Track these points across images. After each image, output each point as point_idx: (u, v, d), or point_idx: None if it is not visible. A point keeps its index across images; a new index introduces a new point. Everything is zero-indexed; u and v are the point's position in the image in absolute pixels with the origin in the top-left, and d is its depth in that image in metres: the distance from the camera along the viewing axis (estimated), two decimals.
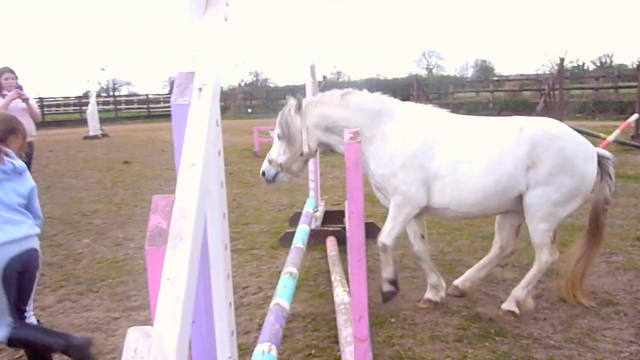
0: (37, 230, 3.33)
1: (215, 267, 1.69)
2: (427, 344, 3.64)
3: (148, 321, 4.14)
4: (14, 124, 3.45)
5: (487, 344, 3.62)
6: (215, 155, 1.63)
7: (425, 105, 4.50)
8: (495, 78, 34.57)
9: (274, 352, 2.53)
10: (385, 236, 4.07)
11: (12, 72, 7.06)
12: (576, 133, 4.09)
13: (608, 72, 30.69)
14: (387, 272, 4.21)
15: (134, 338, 1.07)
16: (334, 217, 6.51)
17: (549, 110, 10.37)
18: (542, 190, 3.84)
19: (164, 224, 1.21)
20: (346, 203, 3.85)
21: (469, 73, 58.32)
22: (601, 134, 12.11)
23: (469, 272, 4.47)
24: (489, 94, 27.53)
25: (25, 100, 7.07)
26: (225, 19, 1.64)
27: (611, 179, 4.07)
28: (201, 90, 1.40)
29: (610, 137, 11.62)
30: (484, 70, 52.52)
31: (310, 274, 5.14)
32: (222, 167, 1.70)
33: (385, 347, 3.61)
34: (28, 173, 3.39)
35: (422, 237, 4.37)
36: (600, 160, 4.02)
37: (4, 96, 6.92)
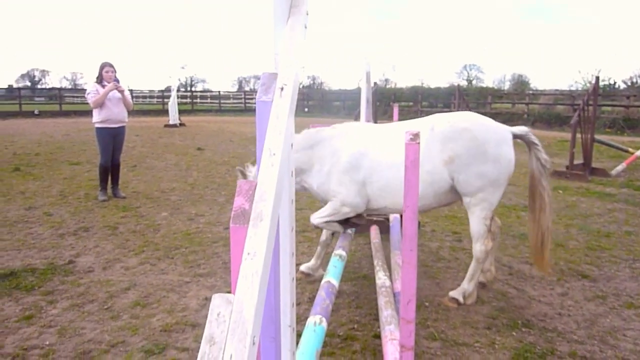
0: None
1: (283, 246, 1.69)
2: (459, 329, 3.56)
3: (214, 287, 4.24)
4: None
5: (514, 333, 3.50)
6: (289, 147, 1.62)
7: (353, 123, 4.41)
8: (531, 91, 33.33)
9: (324, 324, 2.53)
10: (316, 218, 4.15)
11: (111, 66, 7.36)
12: (488, 120, 3.92)
13: (639, 91, 29.07)
14: (312, 262, 4.49)
15: (217, 303, 1.07)
16: None
17: (583, 124, 9.88)
18: (465, 180, 3.72)
19: (247, 206, 1.21)
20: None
21: (506, 86, 56.56)
22: (630, 149, 11.51)
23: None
24: (524, 106, 26.57)
25: (121, 91, 7.34)
26: (305, 27, 1.63)
27: (536, 144, 3.95)
28: (282, 89, 1.40)
29: (638, 152, 11.02)
30: (520, 84, 50.77)
31: (355, 257, 5.11)
32: (293, 158, 1.70)
33: (421, 328, 3.55)
34: None
35: (332, 234, 4.51)
36: (520, 136, 3.92)
37: (104, 86, 7.22)
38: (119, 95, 7.31)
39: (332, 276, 3.13)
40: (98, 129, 7.34)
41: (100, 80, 7.28)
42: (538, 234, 3.95)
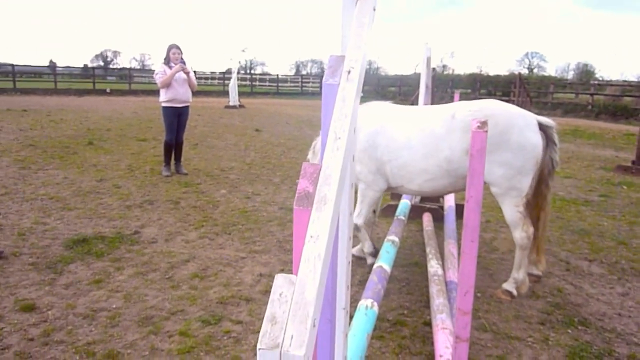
0: None
1: (342, 230, 1.67)
2: (511, 322, 3.44)
3: (269, 264, 4.30)
4: None
5: (569, 331, 3.35)
6: (352, 132, 1.59)
7: (374, 103, 4.27)
8: (596, 82, 31.46)
9: (376, 308, 2.51)
10: (356, 217, 4.13)
11: (178, 47, 7.53)
12: (511, 107, 3.71)
13: None
14: (367, 247, 4.33)
15: (279, 283, 1.06)
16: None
17: None
18: (489, 169, 3.50)
19: (311, 188, 1.19)
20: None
21: (570, 75, 53.62)
22: None
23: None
24: (588, 97, 25.09)
25: (187, 73, 7.51)
26: (374, 9, 1.57)
27: (555, 144, 3.69)
28: (350, 72, 1.35)
29: None
30: (585, 74, 47.98)
31: (407, 243, 5.03)
32: (355, 142, 1.66)
33: (472, 318, 3.43)
34: None
35: (374, 211, 4.54)
36: (544, 128, 3.66)
37: (171, 68, 7.41)
38: (184, 76, 7.49)
39: (384, 261, 3.09)
40: (164, 107, 7.57)
41: (167, 61, 7.45)
42: (538, 233, 3.83)
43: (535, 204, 3.77)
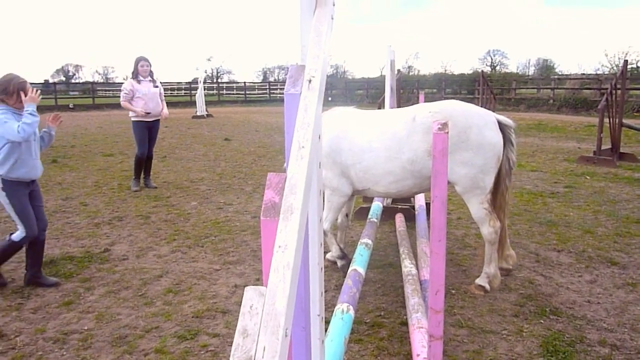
0: None
1: (312, 237, 1.68)
2: (486, 316, 3.51)
3: (243, 274, 4.27)
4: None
5: (542, 321, 3.44)
6: (317, 140, 1.60)
7: (337, 109, 4.36)
8: (556, 76, 32.44)
9: (352, 312, 2.52)
10: (323, 223, 4.09)
11: (146, 60, 7.32)
12: (470, 107, 3.79)
13: None
14: (334, 251, 4.35)
15: (249, 295, 1.07)
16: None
17: (610, 108, 9.57)
18: (451, 169, 3.59)
19: (277, 199, 1.19)
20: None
21: (531, 71, 55.16)
22: None
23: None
24: (549, 91, 25.87)
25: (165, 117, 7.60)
26: (332, 18, 1.59)
27: (512, 144, 3.80)
28: (310, 81, 1.37)
29: None
30: (546, 69, 49.44)
31: (380, 245, 5.08)
32: (320, 150, 1.68)
33: (448, 315, 3.51)
34: None
35: (347, 215, 4.63)
36: (503, 127, 3.75)
37: (139, 81, 7.19)
38: (154, 90, 7.31)
39: (358, 265, 3.12)
40: (134, 122, 7.37)
41: (135, 75, 7.24)
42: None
43: (495, 204, 3.86)
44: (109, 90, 41.08)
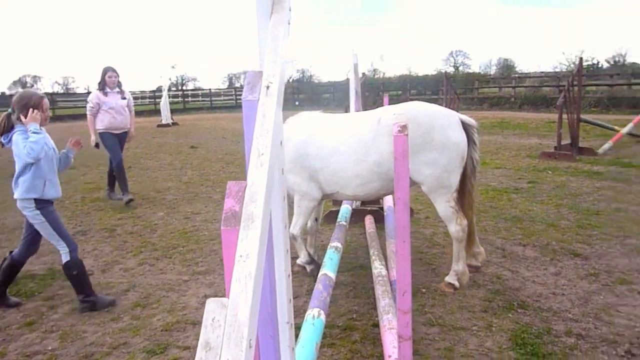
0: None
1: (277, 244, 1.67)
2: (456, 313, 3.56)
3: (213, 284, 4.21)
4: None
5: (510, 315, 3.51)
6: (278, 145, 1.59)
7: (304, 114, 4.40)
8: (517, 75, 33.35)
9: (323, 317, 2.52)
10: (292, 228, 4.20)
11: (114, 70, 6.98)
12: (434, 107, 3.88)
13: (622, 69, 29.17)
14: (303, 257, 4.36)
15: (211, 308, 1.05)
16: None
17: (569, 105, 9.89)
18: (415, 169, 3.68)
19: (237, 207, 1.18)
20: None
21: (492, 70, 56.54)
22: (615, 127, 11.55)
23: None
24: (511, 90, 26.57)
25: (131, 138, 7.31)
26: (289, 23, 1.59)
27: (475, 143, 3.87)
28: (268, 87, 1.36)
29: (624, 130, 11.08)
30: (506, 68, 50.74)
31: (351, 247, 5.10)
32: (282, 155, 1.67)
33: (419, 314, 3.55)
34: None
35: (316, 219, 4.60)
36: (466, 127, 3.83)
37: (106, 93, 6.85)
38: (122, 102, 7.05)
39: (328, 269, 3.12)
40: (101, 134, 7.04)
41: (102, 86, 6.89)
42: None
43: (462, 202, 3.92)
44: (69, 101, 39.88)
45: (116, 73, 7.00)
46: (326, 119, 4.22)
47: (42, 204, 3.69)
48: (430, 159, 3.67)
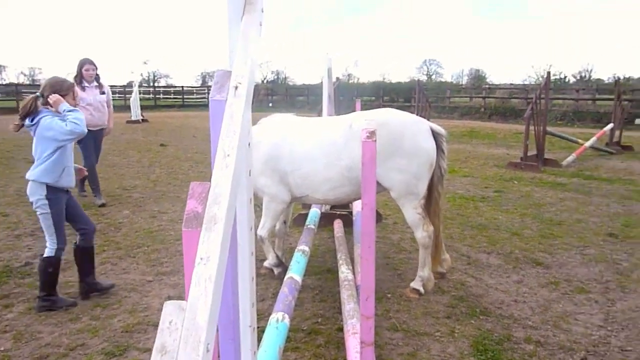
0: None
1: (242, 247, 1.65)
2: (420, 319, 3.60)
3: (177, 285, 4.14)
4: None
5: (472, 321, 3.57)
6: (245, 147, 1.57)
7: (276, 117, 4.42)
8: (487, 86, 34.13)
9: (287, 321, 2.50)
10: (260, 230, 4.22)
11: (92, 63, 6.58)
12: (405, 115, 3.94)
13: (587, 85, 30.21)
14: (270, 259, 4.37)
15: (169, 310, 1.03)
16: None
17: (535, 117, 10.17)
18: (386, 175, 3.74)
19: (200, 209, 1.16)
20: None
21: (464, 80, 57.70)
22: (579, 140, 11.94)
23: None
24: (481, 100, 27.18)
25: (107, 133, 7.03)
26: (260, 24, 1.58)
27: (443, 152, 3.94)
28: (237, 88, 1.35)
29: (588, 143, 11.45)
30: (478, 79, 51.87)
31: (319, 251, 5.10)
32: (250, 157, 1.65)
33: (383, 319, 3.57)
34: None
35: (285, 222, 4.60)
36: (435, 136, 3.89)
37: (83, 88, 6.43)
38: (101, 98, 6.70)
39: (295, 272, 3.11)
40: None
41: (80, 80, 6.45)
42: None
43: (429, 210, 3.97)
44: (35, 92, 38.63)
45: (94, 65, 6.60)
46: (299, 122, 4.22)
47: (53, 193, 3.65)
48: (400, 165, 3.71)
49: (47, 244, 3.70)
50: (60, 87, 3.71)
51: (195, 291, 1.03)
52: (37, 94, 3.71)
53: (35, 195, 3.62)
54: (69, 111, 3.62)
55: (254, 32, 1.52)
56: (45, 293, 3.70)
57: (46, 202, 3.62)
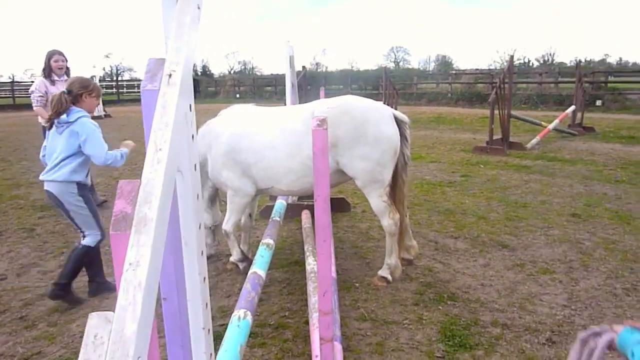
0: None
1: (189, 244, 1.56)
2: (388, 307, 3.57)
3: None
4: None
5: (440, 307, 3.57)
6: (187, 139, 1.48)
7: (236, 107, 4.37)
8: (454, 71, 34.49)
9: (249, 318, 2.42)
10: (225, 224, 4.16)
11: (61, 54, 6.03)
12: (367, 102, 3.88)
13: (550, 68, 30.85)
14: (235, 255, 4.28)
15: (94, 324, 0.93)
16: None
17: (500, 101, 10.29)
18: (350, 163, 3.70)
19: (129, 209, 1.07)
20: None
21: (431, 67, 58.19)
22: (543, 123, 12.16)
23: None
24: (447, 86, 27.43)
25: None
26: (199, 7, 1.47)
27: (407, 140, 3.92)
28: (171, 76, 1.25)
29: (551, 126, 11.68)
30: (444, 65, 52.41)
31: (287, 243, 5.02)
32: (195, 150, 1.55)
33: (351, 309, 3.53)
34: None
35: (250, 215, 4.51)
36: (398, 123, 3.85)
37: (53, 82, 5.93)
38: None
39: (258, 267, 3.02)
40: (45, 129, 6.34)
41: (48, 72, 5.95)
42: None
43: (394, 197, 3.93)
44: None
45: (63, 57, 6.05)
46: (260, 112, 4.11)
47: (82, 190, 3.69)
48: (363, 153, 3.66)
49: (86, 235, 3.75)
50: (88, 85, 3.78)
51: (123, 300, 0.94)
52: (64, 90, 3.68)
53: (68, 195, 3.62)
54: (122, 155, 3.78)
55: (191, 17, 1.42)
56: (66, 281, 3.69)
57: (81, 199, 3.67)
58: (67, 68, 6.15)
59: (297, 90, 9.76)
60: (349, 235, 5.21)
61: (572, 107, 13.19)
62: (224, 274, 4.24)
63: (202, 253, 1.64)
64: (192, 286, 1.59)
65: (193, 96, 1.48)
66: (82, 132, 3.57)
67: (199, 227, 1.60)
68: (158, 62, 1.29)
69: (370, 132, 3.64)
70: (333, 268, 3.77)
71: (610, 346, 1.32)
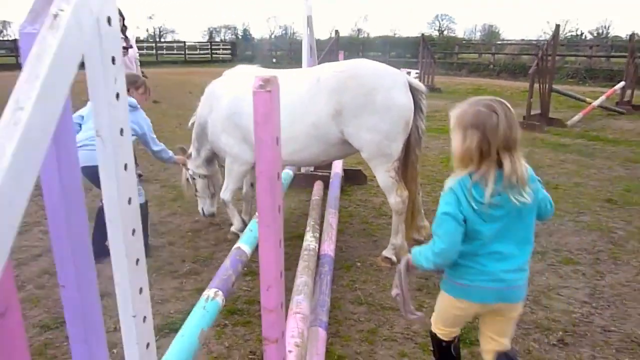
0: None
1: (113, 222, 1.34)
2: (388, 291, 3.31)
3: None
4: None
5: None
6: (108, 99, 1.23)
7: (239, 68, 4.07)
8: (498, 42, 32.89)
9: (219, 299, 2.22)
10: (222, 193, 3.99)
11: (120, 13, 5.29)
12: (380, 66, 3.48)
13: (603, 42, 28.95)
14: (236, 224, 4.10)
15: None
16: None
17: (541, 74, 9.60)
18: (356, 133, 3.36)
19: None
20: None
21: (477, 36, 55.78)
22: (587, 99, 11.35)
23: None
24: (490, 56, 26.17)
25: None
26: None
27: (422, 111, 3.54)
28: (57, 16, 0.99)
29: (596, 102, 10.89)
30: (490, 35, 50.09)
31: (294, 215, 4.81)
32: (121, 112, 1.31)
33: (348, 290, 3.31)
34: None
35: (252, 184, 4.27)
36: (413, 92, 3.47)
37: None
38: (130, 54, 6.19)
39: (243, 242, 2.80)
40: None
41: None
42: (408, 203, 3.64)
43: (405, 174, 3.62)
44: None
45: (121, 16, 5.48)
46: (265, 74, 3.84)
47: None
48: (371, 123, 3.34)
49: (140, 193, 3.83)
50: (135, 81, 4.02)
51: None
52: None
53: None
54: (170, 156, 4.29)
55: None
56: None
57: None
58: (124, 26, 5.78)
59: (328, 56, 9.37)
60: (360, 210, 4.95)
61: (622, 83, 12.24)
62: (223, 244, 4.07)
63: (133, 232, 1.42)
64: (120, 270, 1.38)
65: (119, 48, 1.22)
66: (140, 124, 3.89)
67: (129, 203, 1.38)
68: (45, 0, 1.03)
69: (380, 99, 3.31)
70: (332, 247, 3.53)
71: (409, 266, 2.11)
